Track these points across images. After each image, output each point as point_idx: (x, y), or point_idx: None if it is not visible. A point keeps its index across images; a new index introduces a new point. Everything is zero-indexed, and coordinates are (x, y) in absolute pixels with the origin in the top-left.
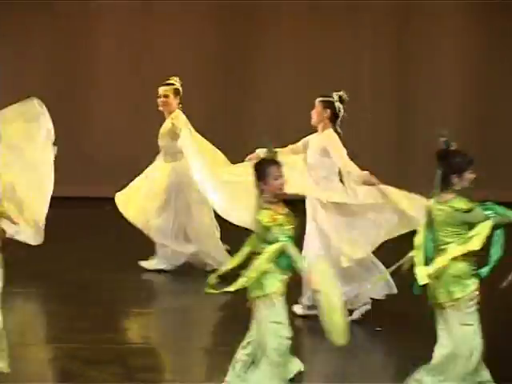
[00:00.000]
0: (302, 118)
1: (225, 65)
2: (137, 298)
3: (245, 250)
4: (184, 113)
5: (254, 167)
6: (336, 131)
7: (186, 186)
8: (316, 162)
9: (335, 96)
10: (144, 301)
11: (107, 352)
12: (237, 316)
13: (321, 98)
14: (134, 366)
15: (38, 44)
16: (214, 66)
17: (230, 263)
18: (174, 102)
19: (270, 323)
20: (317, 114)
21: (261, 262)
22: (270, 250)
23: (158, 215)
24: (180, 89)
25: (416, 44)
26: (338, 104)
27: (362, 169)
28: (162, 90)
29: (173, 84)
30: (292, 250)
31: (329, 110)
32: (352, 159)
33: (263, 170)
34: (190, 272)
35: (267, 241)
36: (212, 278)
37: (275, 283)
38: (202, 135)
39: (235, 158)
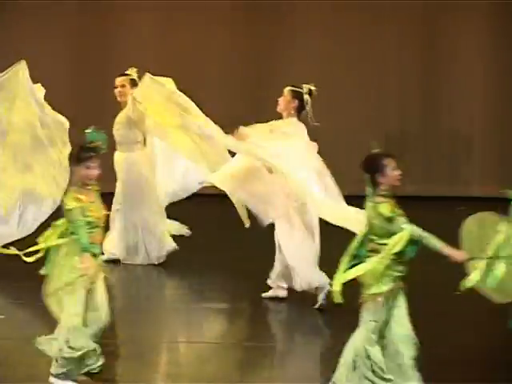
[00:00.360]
0: (329, 117)
1: (251, 64)
2: None
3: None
4: (209, 113)
5: (367, 161)
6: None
7: (135, 177)
8: None
9: (305, 88)
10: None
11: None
12: None
13: (291, 88)
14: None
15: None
16: (241, 66)
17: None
18: (129, 91)
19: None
20: (285, 102)
21: (387, 255)
22: (401, 237)
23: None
24: (136, 79)
25: (442, 43)
26: (306, 96)
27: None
28: (118, 80)
29: (129, 75)
30: (423, 232)
31: (297, 101)
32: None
33: (380, 163)
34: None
35: (390, 233)
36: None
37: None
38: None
39: None
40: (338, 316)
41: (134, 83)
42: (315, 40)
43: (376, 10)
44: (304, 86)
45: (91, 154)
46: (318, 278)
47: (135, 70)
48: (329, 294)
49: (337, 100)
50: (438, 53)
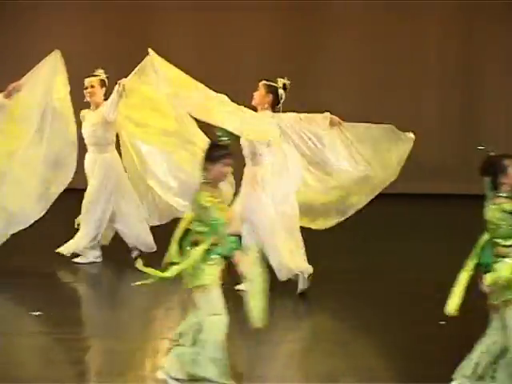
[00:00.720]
0: (371, 115)
1: (291, 63)
2: None
3: None
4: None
5: (487, 164)
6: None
7: (116, 179)
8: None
9: (280, 83)
10: None
11: None
12: None
13: (266, 82)
14: None
15: None
16: (281, 65)
17: None
18: (99, 92)
19: None
20: (260, 96)
21: None
22: None
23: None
24: (105, 80)
25: (481, 42)
26: (281, 91)
27: (433, 164)
28: (87, 81)
29: (98, 75)
30: None
31: (271, 95)
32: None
33: (501, 164)
34: None
35: None
36: None
37: None
38: None
39: None
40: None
41: (102, 83)
42: (352, 39)
43: (414, 8)
44: (279, 80)
45: (227, 152)
46: (298, 264)
47: (102, 71)
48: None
49: (379, 99)
50: (475, 51)
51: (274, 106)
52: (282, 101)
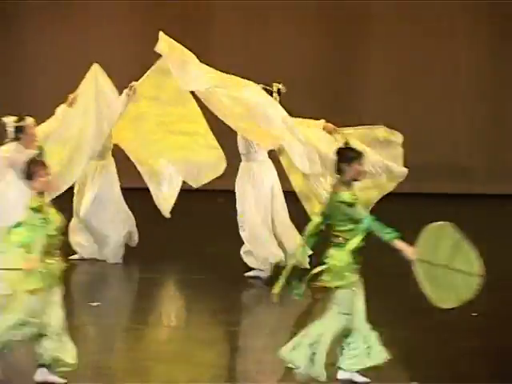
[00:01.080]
0: (406, 118)
1: (333, 66)
2: None
3: None
4: (294, 113)
5: None
6: None
7: (112, 187)
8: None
9: (274, 87)
10: None
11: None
12: None
13: (262, 86)
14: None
15: None
16: (323, 68)
17: None
18: None
19: None
20: None
21: None
22: None
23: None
24: None
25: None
26: (275, 95)
27: (460, 166)
28: None
29: None
30: None
31: None
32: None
33: None
34: None
35: None
36: None
37: None
38: None
39: None
40: None
41: None
42: (392, 46)
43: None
44: (274, 84)
45: (361, 152)
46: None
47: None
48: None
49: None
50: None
51: None
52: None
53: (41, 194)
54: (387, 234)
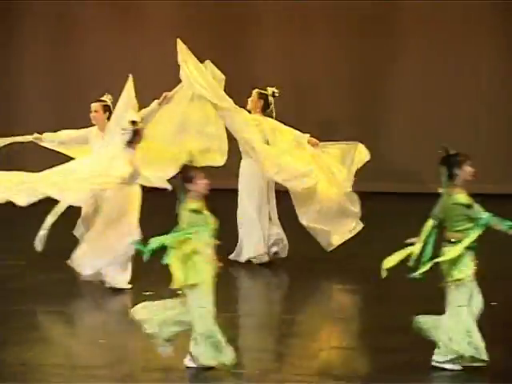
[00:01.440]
0: (432, 127)
1: (360, 77)
2: None
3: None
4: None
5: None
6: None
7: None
8: None
9: (269, 91)
10: None
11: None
12: None
13: (258, 90)
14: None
15: None
16: (349, 79)
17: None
18: (103, 116)
19: None
20: (253, 102)
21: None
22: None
23: None
24: (110, 105)
25: None
26: (270, 98)
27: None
28: (92, 106)
29: (103, 101)
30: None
31: (262, 101)
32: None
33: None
34: None
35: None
36: None
37: None
38: None
39: (372, 170)
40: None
41: (106, 109)
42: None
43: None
44: (269, 88)
45: (466, 155)
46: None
47: (110, 96)
48: None
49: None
50: None
51: (265, 110)
52: (271, 106)
53: (199, 196)
54: (508, 226)
